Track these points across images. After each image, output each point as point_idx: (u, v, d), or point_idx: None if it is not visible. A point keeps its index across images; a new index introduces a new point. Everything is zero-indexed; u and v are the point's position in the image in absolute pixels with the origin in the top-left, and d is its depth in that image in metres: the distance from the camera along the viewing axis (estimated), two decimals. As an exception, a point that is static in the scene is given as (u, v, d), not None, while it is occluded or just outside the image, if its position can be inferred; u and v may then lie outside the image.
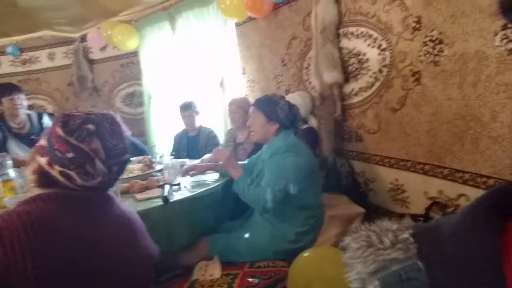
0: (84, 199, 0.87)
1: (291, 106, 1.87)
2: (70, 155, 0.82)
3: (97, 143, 0.84)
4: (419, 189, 1.97)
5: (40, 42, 4.31)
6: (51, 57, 4.42)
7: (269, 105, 1.84)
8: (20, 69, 4.43)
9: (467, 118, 1.64)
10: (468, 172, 1.68)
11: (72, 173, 0.83)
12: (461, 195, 1.75)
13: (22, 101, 2.60)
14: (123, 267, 0.89)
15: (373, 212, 2.27)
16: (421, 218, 1.90)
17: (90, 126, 0.84)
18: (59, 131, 0.83)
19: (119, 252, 0.89)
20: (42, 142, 0.88)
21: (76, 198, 0.86)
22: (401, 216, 1.95)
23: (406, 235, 0.48)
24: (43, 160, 0.85)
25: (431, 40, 1.75)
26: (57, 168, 0.83)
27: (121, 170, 0.93)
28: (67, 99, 4.49)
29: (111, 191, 0.98)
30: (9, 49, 4.26)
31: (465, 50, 1.60)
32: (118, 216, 0.94)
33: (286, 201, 1.76)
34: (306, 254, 1.59)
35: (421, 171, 1.94)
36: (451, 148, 1.75)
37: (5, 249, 0.69)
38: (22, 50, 4.37)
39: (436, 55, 1.74)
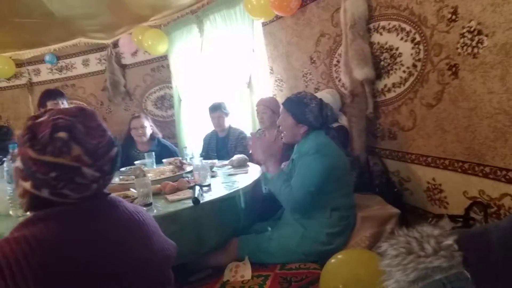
0: (85, 211, 0.79)
1: (322, 107, 1.82)
2: (53, 174, 0.72)
3: (76, 149, 0.73)
4: (458, 189, 1.87)
5: (75, 49, 4.49)
6: (85, 63, 4.59)
7: (298, 107, 1.81)
8: (57, 76, 4.63)
9: (511, 112, 1.54)
10: (512, 170, 1.58)
11: (63, 191, 0.74)
12: (504, 195, 1.64)
13: (65, 106, 2.84)
14: (134, 274, 0.81)
15: (409, 213, 2.18)
16: (461, 219, 1.80)
17: (62, 134, 0.73)
18: (30, 152, 0.72)
19: (129, 260, 0.81)
20: (18, 164, 0.77)
21: (78, 212, 0.78)
22: (439, 216, 1.86)
23: (450, 241, 0.44)
24: (27, 185, 0.76)
25: (469, 31, 1.66)
26: (45, 190, 0.74)
27: (114, 166, 0.82)
28: (101, 103, 4.66)
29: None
30: (47, 58, 4.47)
31: (507, 40, 1.50)
32: (125, 221, 0.85)
33: (317, 202, 1.73)
34: (339, 256, 1.54)
35: (460, 170, 1.85)
36: (492, 145, 1.65)
37: (6, 280, 0.63)
38: (58, 58, 4.57)
39: (474, 46, 1.64)
